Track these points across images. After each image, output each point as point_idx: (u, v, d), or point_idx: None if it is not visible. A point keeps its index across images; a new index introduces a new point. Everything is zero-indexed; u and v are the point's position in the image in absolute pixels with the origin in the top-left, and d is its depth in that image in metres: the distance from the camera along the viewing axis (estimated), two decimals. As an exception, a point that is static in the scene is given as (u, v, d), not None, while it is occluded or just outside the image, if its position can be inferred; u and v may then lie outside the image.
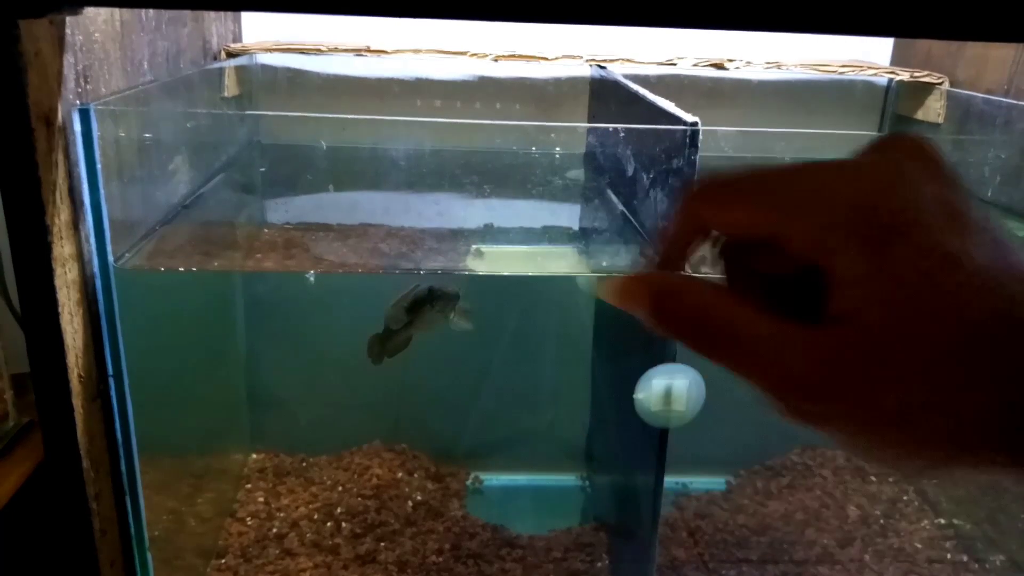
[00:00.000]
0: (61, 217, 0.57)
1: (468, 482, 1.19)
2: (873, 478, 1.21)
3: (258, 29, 1.15)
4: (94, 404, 0.64)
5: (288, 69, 1.14)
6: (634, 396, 0.79)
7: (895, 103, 1.21)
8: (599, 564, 1.01)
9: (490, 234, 0.87)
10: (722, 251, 0.32)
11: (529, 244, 0.90)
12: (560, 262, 0.90)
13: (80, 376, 0.61)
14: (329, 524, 1.05)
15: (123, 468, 0.68)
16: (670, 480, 0.83)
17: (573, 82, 1.15)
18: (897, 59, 1.22)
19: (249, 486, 1.14)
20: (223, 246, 0.86)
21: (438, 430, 1.22)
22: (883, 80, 1.20)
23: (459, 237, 0.86)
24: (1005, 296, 0.24)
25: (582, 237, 0.97)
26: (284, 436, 1.21)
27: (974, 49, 1.09)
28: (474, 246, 0.85)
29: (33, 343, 0.58)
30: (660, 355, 0.78)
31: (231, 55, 1.08)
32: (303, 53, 1.10)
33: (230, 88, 1.04)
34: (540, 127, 0.87)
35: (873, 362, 0.25)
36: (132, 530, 0.71)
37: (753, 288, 0.30)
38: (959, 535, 1.10)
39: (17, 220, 0.55)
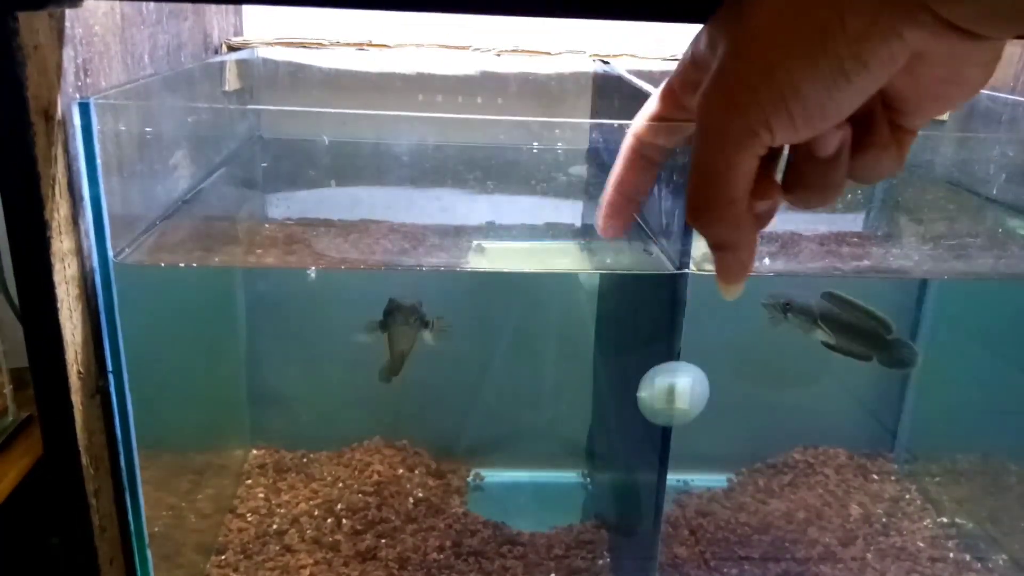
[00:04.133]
0: (60, 212, 0.57)
1: (469, 479, 1.18)
2: (875, 476, 1.21)
3: (259, 23, 1.14)
4: (93, 400, 0.64)
5: (289, 63, 1.13)
6: (637, 394, 0.78)
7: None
8: (600, 562, 1.01)
9: (492, 230, 0.86)
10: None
11: (531, 240, 0.89)
12: (563, 259, 0.89)
13: (79, 372, 0.61)
14: (330, 520, 1.04)
15: (123, 464, 0.68)
16: (671, 477, 0.83)
17: (576, 78, 1.14)
18: (902, 56, 1.21)
19: (249, 482, 1.14)
20: (224, 241, 0.86)
21: (439, 427, 1.22)
22: (888, 77, 1.19)
23: (461, 233, 0.86)
24: None
25: (585, 234, 0.96)
26: (284, 432, 1.21)
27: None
28: (476, 242, 0.84)
29: (32, 339, 0.58)
30: (663, 353, 0.78)
31: (232, 49, 1.07)
32: (305, 47, 1.09)
33: (231, 82, 1.03)
34: (543, 123, 0.86)
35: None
36: (132, 527, 0.70)
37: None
38: (961, 534, 1.09)
39: (16, 215, 0.55)
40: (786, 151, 0.34)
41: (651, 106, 0.38)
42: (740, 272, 0.36)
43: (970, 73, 0.29)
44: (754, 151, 0.30)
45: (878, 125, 0.31)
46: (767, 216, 0.36)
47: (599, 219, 0.40)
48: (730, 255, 0.35)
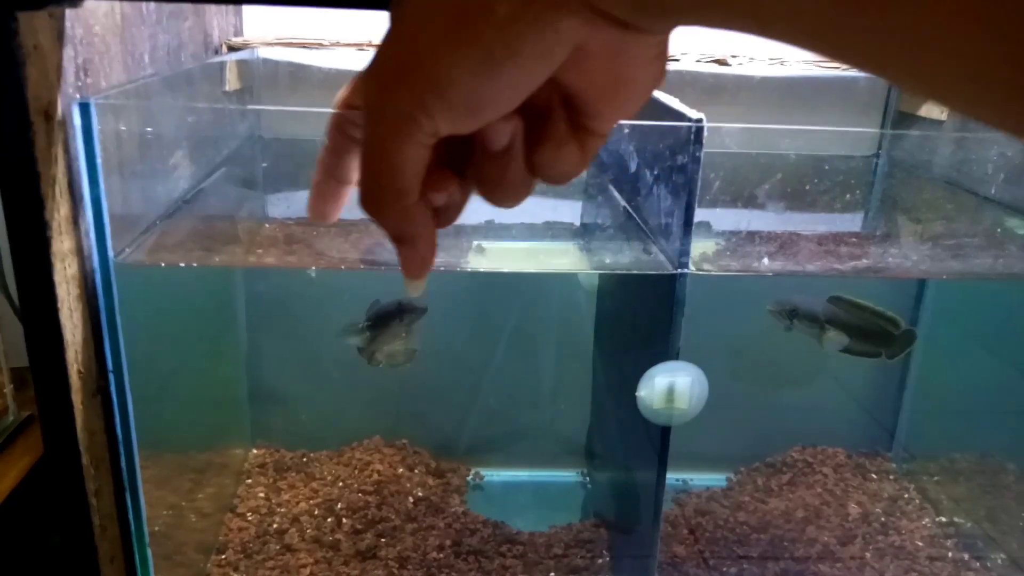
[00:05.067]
0: (61, 212, 0.57)
1: (469, 478, 1.19)
2: (874, 476, 1.21)
3: (259, 23, 1.15)
4: (94, 400, 0.64)
5: (290, 63, 1.13)
6: (636, 394, 0.78)
7: (898, 100, 1.20)
8: (600, 561, 1.01)
9: (492, 230, 0.87)
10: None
11: (531, 240, 0.89)
12: (562, 259, 0.89)
13: (80, 372, 0.61)
14: (330, 520, 1.05)
15: (123, 464, 0.68)
16: (670, 477, 0.83)
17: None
18: (901, 56, 1.21)
19: (250, 481, 1.14)
20: (224, 241, 0.86)
21: (439, 426, 1.22)
22: (887, 77, 1.19)
23: (461, 233, 0.86)
24: None
25: (584, 234, 0.96)
26: (285, 431, 1.21)
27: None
28: (476, 242, 0.84)
29: (32, 339, 0.58)
30: (662, 352, 0.78)
31: (232, 49, 1.07)
32: (305, 47, 1.09)
33: (231, 82, 1.03)
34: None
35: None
36: (132, 526, 0.71)
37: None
38: (960, 533, 1.09)
39: (16, 215, 0.55)
40: None
41: (351, 85, 0.38)
42: (420, 267, 0.34)
43: (636, 71, 0.29)
44: (416, 139, 0.29)
45: (554, 122, 0.31)
46: (450, 213, 0.35)
47: (311, 206, 0.39)
48: (407, 248, 0.34)
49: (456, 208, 0.35)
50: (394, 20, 0.30)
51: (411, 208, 0.32)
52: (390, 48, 0.30)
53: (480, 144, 0.31)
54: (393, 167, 0.30)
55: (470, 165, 0.33)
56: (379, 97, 0.30)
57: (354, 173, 0.38)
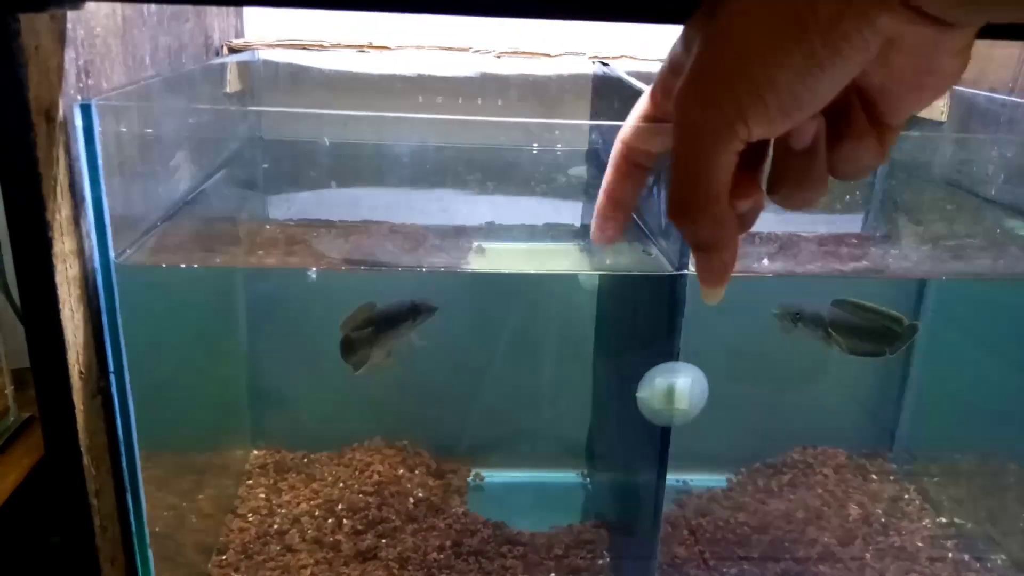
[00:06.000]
0: (62, 213, 0.57)
1: (469, 479, 1.19)
2: (874, 476, 1.21)
3: (260, 25, 1.15)
4: (95, 401, 0.64)
5: (290, 65, 1.13)
6: (636, 395, 0.78)
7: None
8: (600, 561, 1.01)
9: (492, 231, 0.87)
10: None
11: (531, 241, 0.90)
12: (562, 259, 0.90)
13: (81, 373, 0.61)
14: (330, 520, 1.05)
15: (124, 464, 0.68)
16: (670, 477, 0.83)
17: (576, 79, 1.14)
18: (901, 57, 1.21)
19: (250, 482, 1.14)
20: (225, 242, 0.86)
21: (440, 427, 1.22)
22: (887, 78, 1.19)
23: (461, 234, 0.86)
24: None
25: (584, 235, 0.96)
26: (285, 432, 1.21)
27: (978, 47, 1.09)
28: (476, 243, 0.85)
29: (33, 339, 0.58)
30: (662, 353, 0.78)
31: (233, 51, 1.08)
32: (305, 49, 1.09)
33: (232, 84, 1.04)
34: (543, 124, 0.86)
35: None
36: (133, 527, 0.71)
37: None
38: (960, 534, 1.09)
39: (17, 216, 0.55)
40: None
41: (637, 112, 0.39)
42: (722, 274, 0.35)
43: (944, 62, 0.29)
44: (731, 146, 0.30)
45: (854, 117, 0.31)
46: (750, 218, 0.35)
47: (592, 227, 0.41)
48: (712, 256, 0.34)
49: (756, 212, 0.35)
50: (710, 33, 0.31)
51: (722, 214, 0.33)
52: (708, 59, 0.30)
53: (783, 145, 0.32)
54: (708, 175, 0.31)
55: (768, 168, 0.34)
56: (698, 108, 0.30)
57: (635, 197, 0.41)
